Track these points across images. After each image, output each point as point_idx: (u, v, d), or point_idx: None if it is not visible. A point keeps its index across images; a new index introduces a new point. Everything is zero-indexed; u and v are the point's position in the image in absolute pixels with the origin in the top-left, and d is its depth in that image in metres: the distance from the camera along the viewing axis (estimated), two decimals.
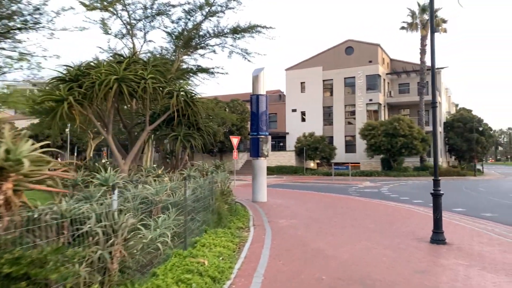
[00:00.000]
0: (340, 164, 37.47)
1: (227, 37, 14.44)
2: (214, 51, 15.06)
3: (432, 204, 7.95)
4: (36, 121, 26.33)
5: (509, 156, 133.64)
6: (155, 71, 10.60)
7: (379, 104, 42.81)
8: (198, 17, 13.47)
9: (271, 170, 39.14)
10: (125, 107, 12.31)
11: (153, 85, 9.80)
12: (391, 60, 47.58)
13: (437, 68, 8.84)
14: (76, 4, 12.71)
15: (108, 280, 3.82)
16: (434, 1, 8.33)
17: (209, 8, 13.07)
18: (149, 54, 15.30)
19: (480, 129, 42.53)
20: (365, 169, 39.26)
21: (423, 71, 39.70)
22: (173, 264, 5.32)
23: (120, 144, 13.18)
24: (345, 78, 44.28)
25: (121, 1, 12.81)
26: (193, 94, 11.04)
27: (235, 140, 22.02)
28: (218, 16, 13.54)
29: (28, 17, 11.27)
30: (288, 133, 46.59)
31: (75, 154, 40.53)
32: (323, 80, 45.47)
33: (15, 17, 11.35)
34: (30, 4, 11.30)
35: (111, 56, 14.10)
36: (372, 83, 42.85)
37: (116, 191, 4.22)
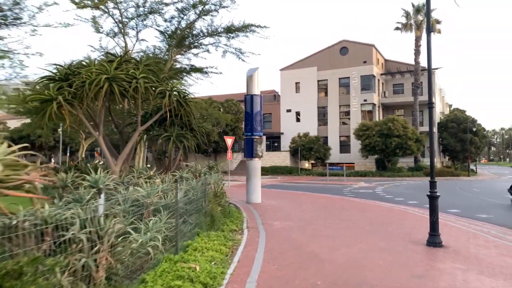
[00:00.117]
0: (334, 165, 37.45)
1: (221, 36, 14.26)
2: (207, 51, 14.88)
3: (427, 205, 7.86)
4: (28, 120, 25.92)
5: (501, 157, 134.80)
6: (147, 71, 10.39)
7: (374, 104, 42.84)
8: (192, 15, 13.31)
9: (265, 171, 39.00)
10: (117, 107, 12.07)
11: (145, 85, 9.59)
12: (386, 60, 47.66)
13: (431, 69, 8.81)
14: (66, 1, 12.35)
15: None
16: (426, 2, 8.21)
17: (202, 6, 12.87)
18: (141, 53, 15.08)
19: (474, 129, 42.74)
20: (359, 169, 39.26)
21: (417, 72, 39.80)
22: (163, 270, 5.14)
23: (113, 145, 12.98)
24: (339, 78, 44.27)
25: None
26: (186, 94, 10.85)
27: (229, 141, 21.85)
28: (211, 15, 13.38)
29: (8, 12, 10.89)
30: (282, 133, 46.49)
31: (68, 154, 40.09)
32: (318, 81, 45.43)
33: None
34: None
35: (102, 55, 13.85)
36: (367, 83, 42.89)
37: (102, 195, 4.03)
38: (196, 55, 15.17)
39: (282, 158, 43.26)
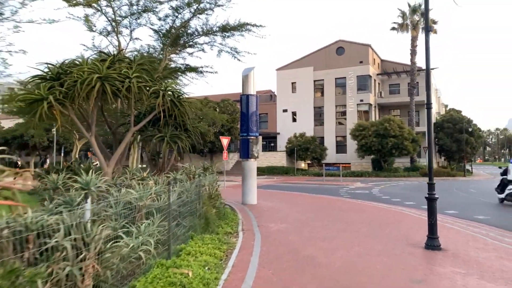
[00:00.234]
0: (331, 165, 37.37)
1: (216, 35, 14.06)
2: (203, 50, 14.68)
3: (424, 206, 7.74)
4: (21, 120, 25.58)
5: (497, 157, 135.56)
6: (141, 70, 10.18)
7: (370, 104, 42.82)
8: (186, 14, 13.10)
9: (261, 171, 38.85)
10: (111, 107, 11.85)
11: (138, 84, 9.39)
12: (382, 60, 47.66)
13: (425, 69, 8.64)
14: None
15: None
16: (424, 1, 8.07)
17: (197, 5, 12.68)
18: (136, 53, 14.85)
19: (470, 129, 42.84)
20: (356, 170, 39.21)
21: (413, 72, 39.81)
22: (155, 276, 4.96)
23: (107, 145, 12.76)
24: (336, 78, 44.23)
25: None
26: (180, 94, 10.66)
27: (225, 141, 21.68)
28: (206, 14, 13.18)
29: None
30: (279, 134, 46.36)
31: (62, 154, 39.72)
32: (314, 81, 45.36)
33: None
34: None
35: (95, 54, 13.62)
36: (363, 83, 42.86)
37: (89, 200, 3.85)
38: (191, 54, 14.99)
39: (278, 158, 43.14)
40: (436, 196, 7.40)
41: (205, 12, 13.16)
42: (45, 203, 6.75)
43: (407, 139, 34.84)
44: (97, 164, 13.54)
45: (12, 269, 2.63)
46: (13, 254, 3.09)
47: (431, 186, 7.43)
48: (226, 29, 13.92)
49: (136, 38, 19.70)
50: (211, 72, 16.39)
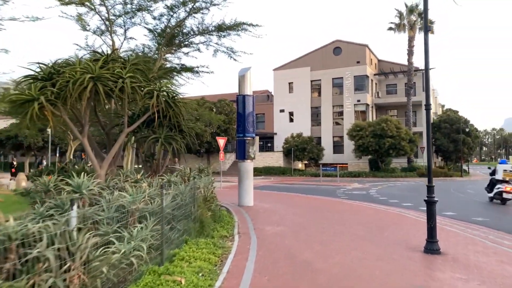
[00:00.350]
0: (328, 165, 37.28)
1: (212, 35, 13.86)
2: (198, 50, 14.47)
3: (422, 207, 7.61)
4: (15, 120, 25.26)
5: (493, 157, 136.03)
6: (135, 70, 9.99)
7: (367, 104, 42.75)
8: (182, 13, 12.90)
9: (258, 171, 38.70)
10: (105, 108, 11.65)
11: (132, 85, 9.20)
12: (379, 61, 47.62)
13: (424, 70, 8.59)
14: None
15: None
16: (422, 1, 7.92)
17: (192, 4, 12.49)
18: (130, 52, 14.62)
19: (467, 130, 42.84)
20: (353, 170, 39.12)
21: (410, 72, 39.76)
22: (146, 284, 4.78)
23: (103, 146, 12.54)
24: (333, 78, 44.13)
25: None
26: (174, 94, 10.47)
27: (221, 141, 21.49)
28: (202, 13, 12.99)
29: None
30: (276, 134, 46.20)
31: (57, 155, 39.39)
32: (311, 81, 45.25)
33: None
34: None
35: (89, 53, 13.40)
36: (360, 83, 42.79)
37: (75, 207, 3.66)
38: (186, 54, 14.79)
39: (275, 159, 42.99)
40: (435, 199, 7.25)
41: (201, 11, 12.99)
42: (35, 206, 6.57)
43: (404, 139, 34.78)
44: (91, 165, 13.32)
45: None
46: None
47: (430, 189, 7.28)
48: (222, 29, 13.74)
49: (130, 38, 19.49)
50: (207, 72, 16.21)
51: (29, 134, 27.88)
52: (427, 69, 7.59)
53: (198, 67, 15.81)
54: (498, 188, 15.35)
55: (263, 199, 15.98)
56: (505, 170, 15.44)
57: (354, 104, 42.76)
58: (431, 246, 7.08)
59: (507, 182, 15.25)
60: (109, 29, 13.00)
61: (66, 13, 12.65)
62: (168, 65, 15.53)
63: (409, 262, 6.45)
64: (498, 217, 12.23)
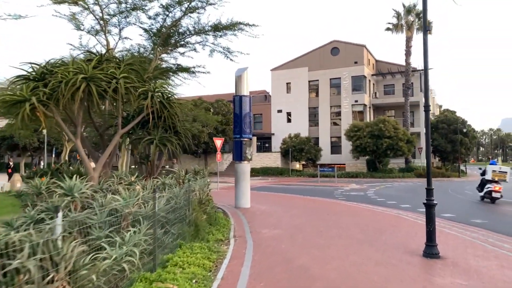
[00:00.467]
0: (325, 166, 37.13)
1: (208, 34, 13.70)
2: (195, 50, 14.29)
3: (420, 209, 7.48)
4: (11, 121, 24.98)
5: (490, 157, 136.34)
6: (130, 70, 9.83)
7: (365, 105, 42.69)
8: (177, 13, 12.73)
9: (256, 172, 38.55)
10: (98, 109, 11.47)
11: (126, 85, 9.03)
12: (377, 61, 47.57)
13: (422, 70, 8.58)
14: None
15: None
16: (419, 2, 7.77)
17: (188, 3, 12.33)
18: (125, 52, 14.44)
19: (464, 130, 42.86)
20: (350, 170, 39.03)
21: (408, 73, 39.70)
22: None
23: (98, 147, 12.33)
24: (330, 79, 44.04)
25: None
26: (169, 95, 10.30)
27: (218, 142, 21.36)
28: (198, 12, 12.82)
29: None
30: (273, 134, 46.07)
31: (53, 155, 39.11)
32: (309, 81, 45.14)
33: None
34: None
35: (82, 53, 13.21)
36: (358, 84, 42.72)
37: (60, 214, 3.49)
38: (182, 54, 14.62)
39: (273, 159, 42.86)
40: (434, 202, 7.12)
41: (197, 10, 12.82)
42: (27, 209, 6.39)
43: (402, 139, 34.72)
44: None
45: None
46: None
47: (429, 192, 7.14)
48: (218, 29, 13.58)
49: (125, 37, 19.30)
50: (203, 72, 16.05)
51: (23, 134, 27.61)
52: (426, 69, 7.45)
53: (194, 67, 15.66)
54: (488, 187, 16.12)
55: (260, 201, 15.82)
56: (494, 171, 16.19)
57: (352, 105, 42.69)
58: (430, 250, 6.94)
59: (496, 182, 16.02)
60: (104, 28, 12.82)
61: (59, 12, 12.49)
62: (164, 65, 15.36)
63: (408, 267, 6.30)
64: (497, 219, 12.11)
